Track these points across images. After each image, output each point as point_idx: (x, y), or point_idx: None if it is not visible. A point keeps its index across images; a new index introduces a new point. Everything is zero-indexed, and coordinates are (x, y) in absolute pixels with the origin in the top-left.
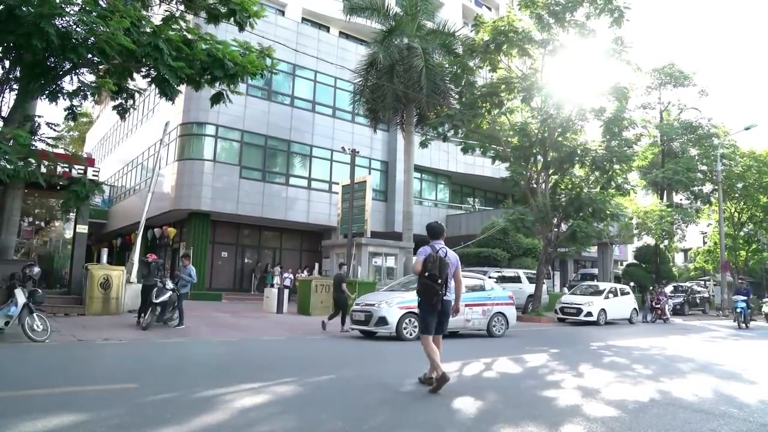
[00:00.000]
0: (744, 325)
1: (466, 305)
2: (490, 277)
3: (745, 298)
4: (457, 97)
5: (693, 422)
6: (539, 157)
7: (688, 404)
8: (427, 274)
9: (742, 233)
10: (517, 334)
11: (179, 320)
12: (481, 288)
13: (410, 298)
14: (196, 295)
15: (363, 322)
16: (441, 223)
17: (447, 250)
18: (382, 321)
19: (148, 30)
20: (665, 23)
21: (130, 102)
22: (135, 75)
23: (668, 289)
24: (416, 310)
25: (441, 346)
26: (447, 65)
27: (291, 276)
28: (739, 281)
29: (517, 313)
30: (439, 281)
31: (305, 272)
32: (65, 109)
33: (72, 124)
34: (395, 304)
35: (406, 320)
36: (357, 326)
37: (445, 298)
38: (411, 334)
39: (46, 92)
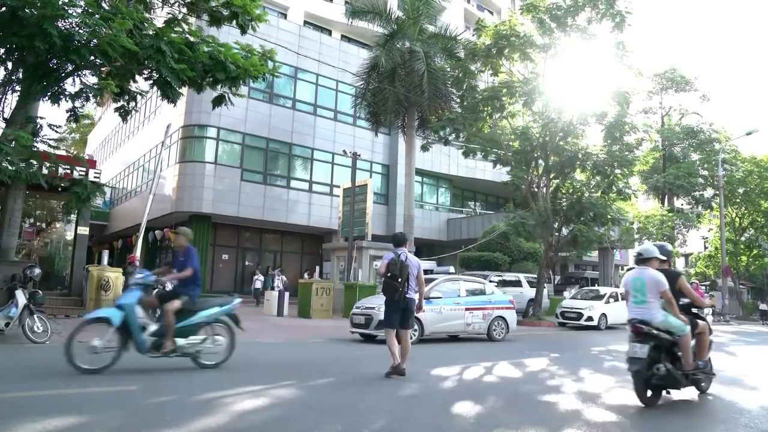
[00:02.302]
0: None
1: (466, 309)
2: (490, 281)
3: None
4: (458, 100)
5: (694, 428)
6: (540, 161)
7: (689, 409)
8: (389, 274)
9: (743, 238)
10: (518, 338)
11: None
12: (482, 292)
13: None
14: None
15: (363, 325)
16: (404, 233)
17: (407, 255)
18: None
19: (150, 32)
20: (667, 28)
21: (132, 104)
22: (137, 77)
23: None
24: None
25: (407, 341)
26: (449, 69)
27: (262, 278)
28: (740, 286)
29: (518, 318)
30: (399, 280)
31: (306, 275)
32: (67, 111)
33: (74, 125)
34: None
35: None
36: (357, 329)
37: (408, 296)
38: (411, 338)
39: (49, 94)
